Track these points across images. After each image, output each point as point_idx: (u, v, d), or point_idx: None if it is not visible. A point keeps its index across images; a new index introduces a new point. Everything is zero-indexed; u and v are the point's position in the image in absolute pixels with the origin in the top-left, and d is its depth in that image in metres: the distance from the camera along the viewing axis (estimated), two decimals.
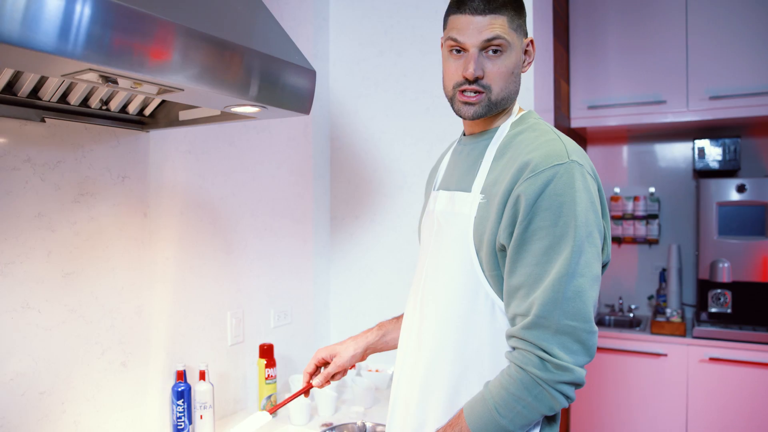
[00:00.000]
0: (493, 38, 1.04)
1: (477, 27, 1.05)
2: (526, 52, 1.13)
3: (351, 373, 2.06)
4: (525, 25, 1.11)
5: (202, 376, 1.62)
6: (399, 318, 1.40)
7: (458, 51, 1.08)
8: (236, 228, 1.86)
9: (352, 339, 1.39)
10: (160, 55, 0.91)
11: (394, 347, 1.38)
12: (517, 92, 1.13)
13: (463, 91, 1.09)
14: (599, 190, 1.05)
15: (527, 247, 0.99)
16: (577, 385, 0.98)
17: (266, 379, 1.79)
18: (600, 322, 3.12)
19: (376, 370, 2.09)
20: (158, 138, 1.59)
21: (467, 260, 1.08)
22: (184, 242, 1.67)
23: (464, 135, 1.24)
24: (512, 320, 1.02)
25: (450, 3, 1.10)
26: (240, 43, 1.07)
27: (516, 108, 1.17)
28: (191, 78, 0.98)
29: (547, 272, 0.96)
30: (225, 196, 1.81)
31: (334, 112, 2.32)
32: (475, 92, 1.08)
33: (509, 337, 1.02)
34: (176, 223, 1.65)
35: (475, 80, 1.07)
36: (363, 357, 1.39)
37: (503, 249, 1.03)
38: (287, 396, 1.36)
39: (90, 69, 0.86)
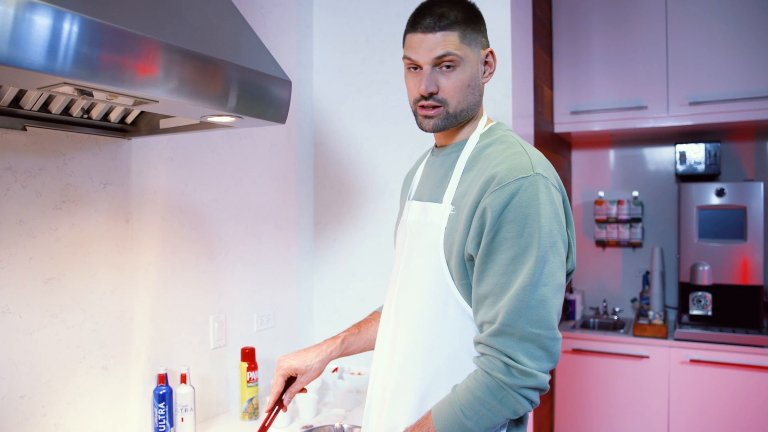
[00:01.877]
0: (444, 55, 1.09)
1: (428, 45, 1.09)
2: (486, 63, 1.16)
3: (333, 376, 2.09)
4: (483, 38, 1.15)
5: (183, 379, 1.64)
6: (360, 326, 1.43)
7: (414, 68, 1.13)
8: (219, 234, 1.88)
9: (314, 351, 1.36)
10: (134, 68, 0.94)
11: (356, 353, 1.42)
12: (477, 103, 1.16)
13: (422, 106, 1.13)
14: (564, 201, 1.09)
15: (494, 257, 1.03)
16: (541, 390, 1.02)
17: (248, 382, 1.82)
18: (584, 325, 3.16)
19: (359, 373, 2.11)
20: (140, 145, 1.62)
21: (438, 269, 1.12)
22: (167, 248, 1.70)
23: (436, 147, 1.28)
24: (480, 327, 1.06)
25: (407, 23, 1.15)
26: (215, 55, 1.10)
27: (484, 119, 1.21)
28: (166, 90, 1.01)
29: (512, 281, 1.00)
30: (208, 202, 1.84)
31: (318, 118, 2.35)
32: (432, 106, 1.12)
33: (477, 343, 1.06)
34: (158, 229, 1.67)
35: (431, 95, 1.11)
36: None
37: (471, 259, 1.07)
38: (264, 418, 1.36)
39: (65, 83, 0.89)
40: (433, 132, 1.16)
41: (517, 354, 0.99)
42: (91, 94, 0.96)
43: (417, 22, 1.10)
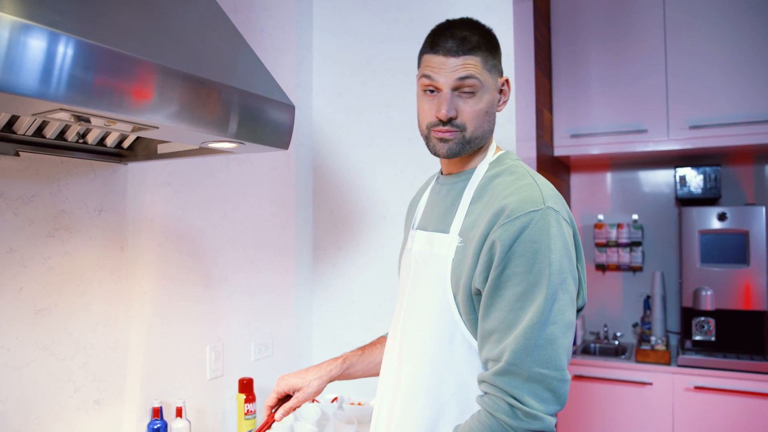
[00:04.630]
0: (466, 77, 1.05)
1: (450, 67, 1.05)
2: (501, 91, 1.13)
3: (332, 406, 2.03)
4: (500, 65, 1.12)
5: (179, 412, 1.58)
6: (364, 349, 1.39)
7: (432, 91, 1.09)
8: (216, 260, 1.83)
9: (314, 370, 1.34)
10: (133, 94, 0.90)
11: (358, 377, 1.38)
12: (491, 131, 1.13)
13: (438, 130, 1.09)
14: (575, 235, 1.05)
15: (501, 292, 0.98)
16: None
17: (245, 414, 1.75)
18: (585, 350, 3.11)
19: (359, 403, 2.05)
20: (137, 170, 1.57)
21: (444, 303, 1.08)
22: (163, 276, 1.65)
23: (441, 174, 1.24)
24: (485, 364, 1.02)
25: (424, 43, 1.11)
26: (216, 79, 1.06)
27: (492, 147, 1.17)
28: (165, 116, 0.97)
29: (520, 318, 0.96)
30: (205, 228, 1.79)
31: (317, 142, 2.31)
32: (449, 131, 1.08)
33: (481, 381, 1.01)
34: (154, 256, 1.62)
35: (449, 120, 1.07)
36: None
37: (479, 293, 1.03)
38: None
39: (61, 109, 0.85)
40: (448, 157, 1.11)
41: (523, 395, 0.94)
42: (88, 120, 0.92)
43: (438, 44, 1.07)
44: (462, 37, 1.05)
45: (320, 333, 2.30)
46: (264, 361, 2.03)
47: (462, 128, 1.08)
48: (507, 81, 1.13)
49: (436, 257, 1.11)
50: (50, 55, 0.78)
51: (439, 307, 1.09)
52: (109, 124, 0.98)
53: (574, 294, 1.01)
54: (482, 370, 1.04)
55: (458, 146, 1.09)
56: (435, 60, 1.07)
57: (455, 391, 1.07)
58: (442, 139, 1.09)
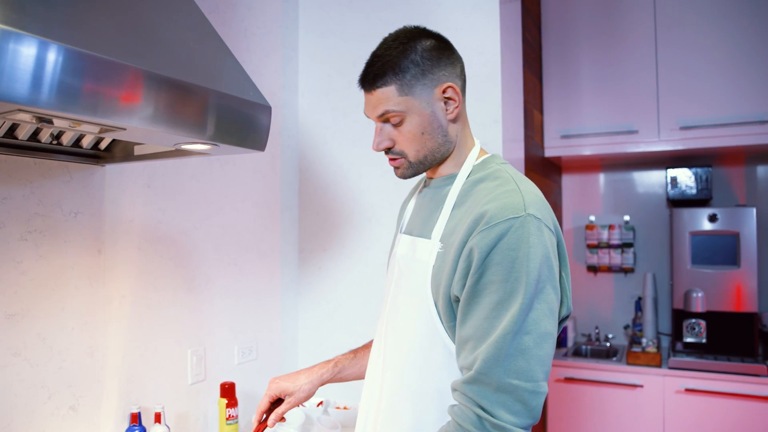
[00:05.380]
0: (383, 113, 1.06)
1: (371, 103, 1.08)
2: (446, 101, 1.08)
3: (318, 410, 2.01)
4: (433, 76, 1.06)
5: (158, 418, 1.55)
6: (356, 351, 1.37)
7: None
8: (198, 263, 1.81)
9: (306, 374, 1.32)
10: (96, 94, 0.87)
11: (349, 380, 1.36)
12: (442, 144, 1.10)
13: (387, 157, 1.12)
14: (559, 244, 1.02)
15: (478, 300, 0.96)
16: None
17: (227, 419, 1.73)
18: (576, 352, 3.09)
19: (344, 407, 2.03)
20: (115, 172, 1.55)
21: (425, 309, 1.06)
22: (142, 279, 1.62)
23: (428, 177, 1.22)
24: (460, 371, 0.99)
25: None
26: (188, 79, 1.04)
27: (475, 150, 1.14)
28: (133, 117, 0.94)
29: (494, 327, 0.93)
30: (186, 230, 1.76)
31: (303, 143, 2.29)
32: (393, 159, 1.11)
33: (453, 389, 0.99)
34: (133, 259, 1.60)
35: (388, 150, 1.10)
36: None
37: (458, 300, 1.00)
38: None
39: (19, 110, 0.82)
40: (404, 179, 1.14)
41: (492, 406, 0.91)
42: (51, 122, 0.89)
43: (360, 79, 1.09)
44: (371, 71, 1.06)
45: (306, 336, 2.28)
46: (248, 365, 2.00)
47: (403, 155, 1.09)
48: (452, 87, 1.07)
49: (418, 262, 1.09)
50: (5, 54, 0.75)
51: (420, 313, 1.07)
52: (75, 126, 0.96)
53: (555, 304, 0.97)
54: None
55: (409, 170, 1.11)
56: (364, 96, 1.10)
57: (435, 398, 1.05)
58: (394, 167, 1.13)
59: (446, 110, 1.08)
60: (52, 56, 0.80)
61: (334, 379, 1.34)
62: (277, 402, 1.34)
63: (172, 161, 1.71)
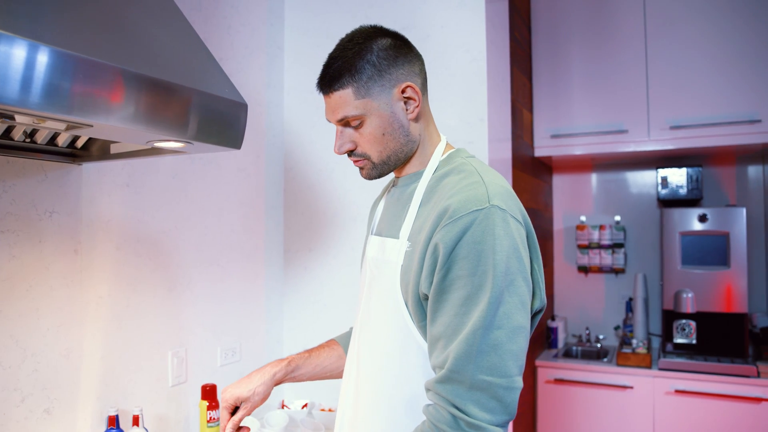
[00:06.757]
0: (342, 118, 1.05)
1: (330, 107, 1.07)
2: (406, 100, 1.06)
3: (302, 412, 1.98)
4: (390, 76, 1.04)
5: (136, 421, 1.52)
6: (311, 351, 1.34)
7: None
8: (179, 263, 1.78)
9: (258, 376, 1.27)
10: (57, 88, 0.85)
11: (304, 381, 1.33)
12: (405, 144, 1.08)
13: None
14: (529, 234, 1.00)
15: (446, 296, 0.94)
16: None
17: (208, 421, 1.70)
18: (567, 353, 3.08)
19: (329, 410, 2.01)
20: (92, 171, 1.52)
21: (397, 311, 1.04)
22: (121, 280, 1.59)
23: (395, 176, 1.20)
24: (434, 371, 0.97)
25: None
26: (158, 75, 1.01)
27: (441, 146, 1.12)
28: (98, 113, 0.91)
29: (464, 324, 0.91)
30: (167, 230, 1.74)
31: (289, 142, 2.26)
32: (357, 160, 1.10)
33: (426, 389, 0.96)
34: (111, 259, 1.57)
35: (351, 152, 1.09)
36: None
37: (426, 298, 0.98)
38: None
39: None
40: (370, 180, 1.13)
41: (467, 404, 0.89)
42: (12, 117, 0.87)
43: (317, 82, 1.07)
44: (327, 73, 1.04)
45: (291, 336, 2.25)
46: (231, 366, 1.98)
47: (366, 156, 1.08)
48: (409, 86, 1.05)
49: (387, 263, 1.07)
50: None
51: (392, 314, 1.05)
52: (39, 122, 0.93)
53: (527, 296, 0.95)
54: None
55: (373, 171, 1.10)
56: (324, 99, 1.08)
57: (410, 399, 1.03)
58: (359, 168, 1.12)
59: (406, 110, 1.07)
60: (10, 49, 0.78)
61: (288, 378, 1.29)
62: (235, 410, 1.27)
63: (152, 159, 1.68)
